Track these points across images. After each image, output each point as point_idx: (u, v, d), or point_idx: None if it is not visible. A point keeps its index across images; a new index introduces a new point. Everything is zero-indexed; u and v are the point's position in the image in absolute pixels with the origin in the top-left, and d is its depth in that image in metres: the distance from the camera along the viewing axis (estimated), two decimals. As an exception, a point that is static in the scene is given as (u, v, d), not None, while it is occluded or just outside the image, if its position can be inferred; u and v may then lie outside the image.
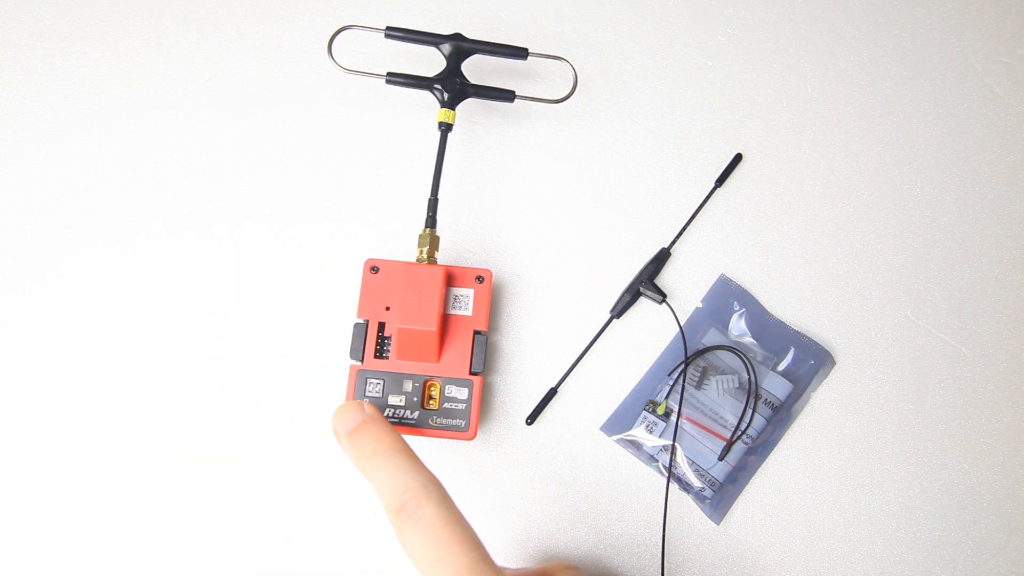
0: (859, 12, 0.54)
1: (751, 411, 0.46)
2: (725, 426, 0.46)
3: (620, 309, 0.47)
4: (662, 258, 0.48)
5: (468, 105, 0.50)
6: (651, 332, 0.48)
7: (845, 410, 0.47)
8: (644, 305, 0.48)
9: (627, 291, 0.48)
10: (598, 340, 0.47)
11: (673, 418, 0.46)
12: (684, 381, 0.46)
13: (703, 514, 0.45)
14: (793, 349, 0.47)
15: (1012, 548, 0.46)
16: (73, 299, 0.47)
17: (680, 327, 0.47)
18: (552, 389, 0.46)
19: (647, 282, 0.47)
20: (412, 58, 0.51)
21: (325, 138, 0.50)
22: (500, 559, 0.44)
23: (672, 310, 0.47)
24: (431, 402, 0.43)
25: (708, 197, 0.50)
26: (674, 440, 0.45)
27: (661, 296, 0.47)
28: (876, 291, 0.49)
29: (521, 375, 0.47)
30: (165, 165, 0.50)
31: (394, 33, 0.46)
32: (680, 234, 0.49)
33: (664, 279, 0.49)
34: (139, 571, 0.44)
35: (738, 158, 0.51)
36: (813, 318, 0.49)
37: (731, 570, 0.45)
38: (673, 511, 0.45)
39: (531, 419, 0.46)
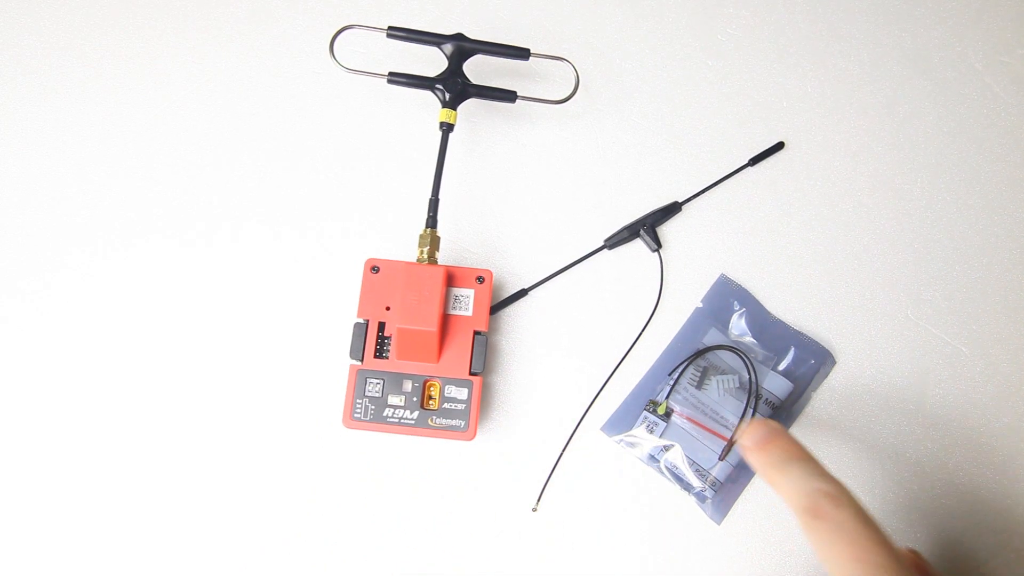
0: (859, 12, 0.54)
1: (752, 411, 0.46)
2: (726, 426, 0.46)
3: (615, 242, 0.48)
4: (671, 210, 0.49)
5: (469, 105, 0.50)
6: (653, 331, 0.48)
7: (845, 410, 0.47)
8: (644, 306, 0.48)
9: (627, 227, 0.48)
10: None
11: (674, 418, 0.46)
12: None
13: (703, 514, 0.45)
14: (793, 349, 0.47)
15: (1012, 548, 0.46)
16: (74, 299, 0.47)
17: (661, 281, 0.48)
18: (523, 294, 0.47)
19: (649, 227, 0.47)
20: (414, 58, 0.51)
21: (326, 138, 0.50)
22: (501, 560, 0.44)
23: (661, 261, 0.47)
24: (431, 402, 0.43)
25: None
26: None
27: (656, 244, 0.48)
28: (876, 291, 0.49)
29: (521, 375, 0.47)
30: (165, 165, 0.50)
31: (396, 33, 0.46)
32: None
33: (664, 279, 0.49)
34: (147, 572, 0.44)
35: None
36: (813, 318, 0.49)
37: (731, 570, 0.45)
38: (673, 511, 0.45)
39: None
